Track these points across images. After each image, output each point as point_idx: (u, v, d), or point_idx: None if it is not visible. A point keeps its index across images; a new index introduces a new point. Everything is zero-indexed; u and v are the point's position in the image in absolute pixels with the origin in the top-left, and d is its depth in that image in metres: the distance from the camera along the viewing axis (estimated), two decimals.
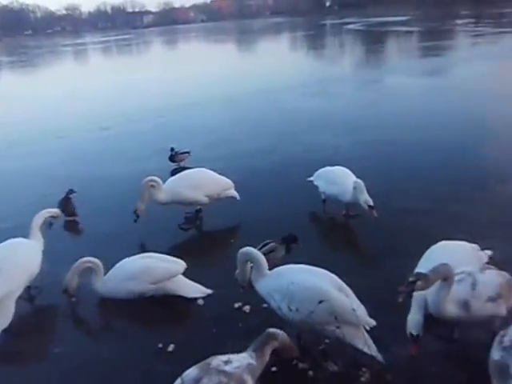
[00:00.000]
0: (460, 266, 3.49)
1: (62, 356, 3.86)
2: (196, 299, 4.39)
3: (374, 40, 24.29)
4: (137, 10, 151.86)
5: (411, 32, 25.83)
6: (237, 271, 3.88)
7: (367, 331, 3.41)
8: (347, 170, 5.79)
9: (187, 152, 8.16)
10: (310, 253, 4.75)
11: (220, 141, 9.56)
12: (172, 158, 8.08)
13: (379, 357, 3.32)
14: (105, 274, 4.53)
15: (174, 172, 7.33)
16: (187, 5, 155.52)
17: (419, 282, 3.18)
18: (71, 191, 6.42)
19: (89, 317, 4.46)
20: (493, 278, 3.45)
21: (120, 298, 4.45)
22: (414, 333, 3.38)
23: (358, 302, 3.47)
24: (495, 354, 2.84)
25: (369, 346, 3.31)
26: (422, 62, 17.72)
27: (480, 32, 22.75)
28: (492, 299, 3.35)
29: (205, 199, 5.80)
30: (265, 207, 6.27)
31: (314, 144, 8.78)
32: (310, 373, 3.38)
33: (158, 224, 5.93)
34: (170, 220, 6.04)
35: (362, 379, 3.26)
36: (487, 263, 3.94)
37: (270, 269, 3.71)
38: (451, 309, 3.32)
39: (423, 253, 3.93)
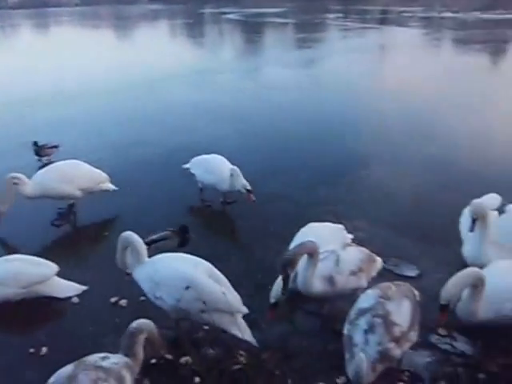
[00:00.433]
0: (326, 245, 3.74)
1: None
2: (70, 298, 4.19)
3: (251, 30, 24.77)
4: None
5: (287, 24, 26.74)
6: (116, 255, 3.76)
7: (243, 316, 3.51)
8: (223, 158, 5.87)
9: (55, 146, 7.57)
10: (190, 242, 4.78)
11: (95, 133, 9.12)
12: (38, 153, 7.45)
13: (253, 341, 3.42)
14: None
15: (42, 168, 6.81)
16: None
17: (289, 259, 3.35)
18: None
19: None
20: (354, 254, 3.77)
21: None
22: (272, 301, 3.57)
23: (231, 289, 3.53)
24: (345, 329, 3.13)
25: (243, 331, 3.40)
26: (297, 53, 18.45)
27: (348, 27, 24.23)
28: (354, 273, 3.66)
29: (78, 193, 5.53)
30: (142, 198, 6.17)
31: (192, 133, 8.77)
32: (189, 359, 3.41)
33: (29, 221, 5.57)
34: (41, 217, 5.69)
35: (240, 360, 3.37)
36: (352, 241, 4.30)
37: None
38: (318, 285, 3.55)
39: (293, 235, 4.14)
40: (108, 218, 5.72)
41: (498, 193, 4.74)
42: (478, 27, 22.80)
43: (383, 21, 33.01)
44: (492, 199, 4.45)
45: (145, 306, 3.80)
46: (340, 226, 4.36)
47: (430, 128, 8.78)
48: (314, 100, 11.27)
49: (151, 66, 16.21)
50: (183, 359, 3.44)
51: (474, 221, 4.13)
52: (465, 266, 4.18)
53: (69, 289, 4.25)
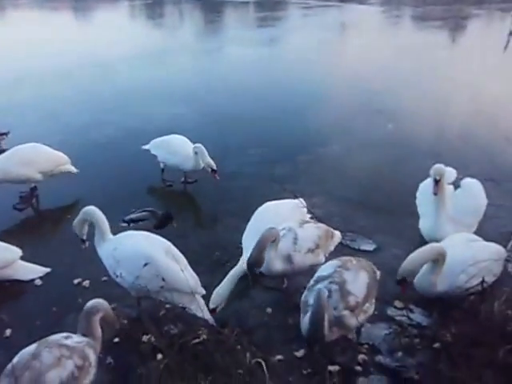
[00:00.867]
0: (284, 222, 3.83)
1: None
2: (33, 280, 4.21)
3: (212, 10, 24.35)
4: None
5: (247, 3, 26.43)
6: (75, 222, 3.76)
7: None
8: (184, 138, 5.86)
9: (5, 133, 7.20)
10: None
11: (51, 117, 8.85)
12: None
13: (211, 320, 3.52)
14: None
15: None
16: None
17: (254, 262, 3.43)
18: None
19: None
20: (311, 231, 3.82)
21: None
22: (211, 306, 3.62)
23: (189, 268, 3.59)
24: (303, 296, 3.22)
25: (202, 310, 3.48)
26: (257, 32, 18.32)
27: (309, 4, 24.12)
28: (311, 250, 3.73)
29: (38, 176, 5.47)
30: (103, 180, 6.12)
31: (151, 114, 8.64)
32: (151, 338, 3.44)
33: None
34: (3, 201, 5.62)
35: (200, 336, 3.39)
36: (311, 217, 4.39)
37: None
38: (277, 264, 3.62)
39: (253, 212, 4.23)
40: (70, 200, 5.67)
41: (453, 167, 4.81)
42: (437, 3, 23.11)
43: None
44: (448, 173, 4.48)
45: (107, 286, 3.86)
46: (297, 201, 4.37)
47: (387, 105, 8.85)
48: (273, 78, 11.23)
49: (108, 47, 15.80)
50: (145, 337, 3.49)
51: (436, 182, 4.20)
52: (421, 239, 4.36)
53: (32, 271, 4.24)
